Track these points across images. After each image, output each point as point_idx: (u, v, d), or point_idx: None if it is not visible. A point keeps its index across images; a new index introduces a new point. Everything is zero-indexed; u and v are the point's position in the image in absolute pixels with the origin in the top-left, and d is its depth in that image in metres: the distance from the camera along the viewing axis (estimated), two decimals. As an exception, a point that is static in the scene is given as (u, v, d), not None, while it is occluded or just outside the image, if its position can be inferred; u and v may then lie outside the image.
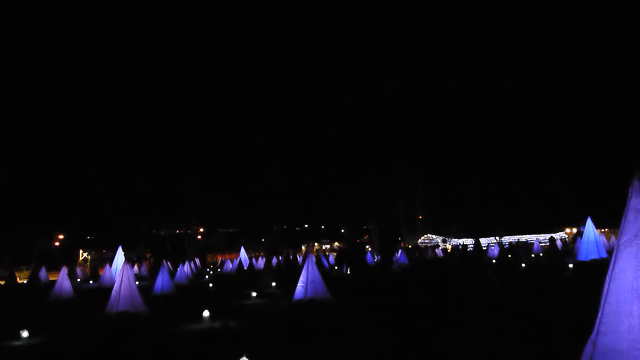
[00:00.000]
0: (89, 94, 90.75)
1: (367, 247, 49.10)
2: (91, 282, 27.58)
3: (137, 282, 12.60)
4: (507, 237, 57.67)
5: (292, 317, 9.11)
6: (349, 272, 22.03)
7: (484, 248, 33.10)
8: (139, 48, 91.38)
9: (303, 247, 77.25)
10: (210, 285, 20.20)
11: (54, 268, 33.46)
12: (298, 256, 45.55)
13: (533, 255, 28.11)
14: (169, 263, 35.80)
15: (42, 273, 27.64)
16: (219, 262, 45.23)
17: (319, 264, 24.60)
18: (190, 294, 16.66)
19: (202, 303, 12.94)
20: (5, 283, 26.75)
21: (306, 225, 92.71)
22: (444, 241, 64.83)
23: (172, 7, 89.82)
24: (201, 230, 74.42)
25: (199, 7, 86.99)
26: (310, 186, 73.75)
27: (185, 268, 26.42)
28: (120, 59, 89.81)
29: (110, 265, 24.60)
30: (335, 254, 45.21)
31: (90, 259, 57.95)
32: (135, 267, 34.14)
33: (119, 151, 76.87)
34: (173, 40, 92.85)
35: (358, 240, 66.29)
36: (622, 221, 3.07)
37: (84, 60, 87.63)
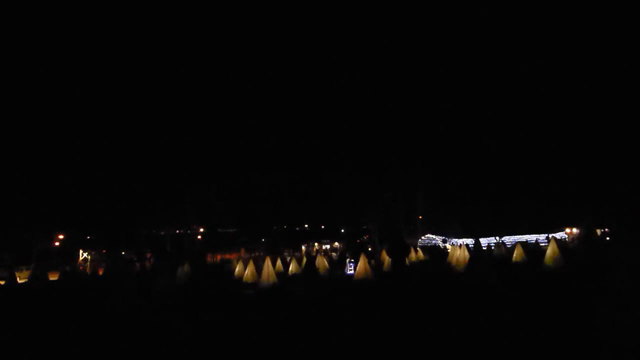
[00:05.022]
0: (89, 93, 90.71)
1: (368, 247, 49.03)
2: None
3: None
4: (507, 237, 57.67)
5: (292, 317, 9.12)
6: (348, 273, 22.02)
7: (483, 248, 33.15)
8: (140, 47, 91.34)
9: (303, 247, 77.18)
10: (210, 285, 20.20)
11: (54, 268, 33.48)
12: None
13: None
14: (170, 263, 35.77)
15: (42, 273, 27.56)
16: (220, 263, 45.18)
17: (319, 264, 24.60)
18: (190, 294, 16.65)
19: (203, 303, 12.97)
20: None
21: (306, 225, 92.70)
22: (444, 241, 64.78)
23: (172, 7, 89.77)
24: (201, 230, 74.42)
25: (198, 7, 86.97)
26: (310, 186, 73.78)
27: (186, 268, 26.41)
28: (120, 59, 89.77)
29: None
30: (335, 253, 45.19)
31: (90, 259, 57.87)
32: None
33: (119, 151, 76.90)
34: (175, 40, 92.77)
35: (358, 240, 66.26)
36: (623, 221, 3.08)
37: (84, 60, 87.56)
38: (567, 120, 69.81)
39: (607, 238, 27.07)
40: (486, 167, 64.31)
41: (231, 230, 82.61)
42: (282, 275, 24.62)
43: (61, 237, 62.59)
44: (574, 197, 52.96)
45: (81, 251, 62.03)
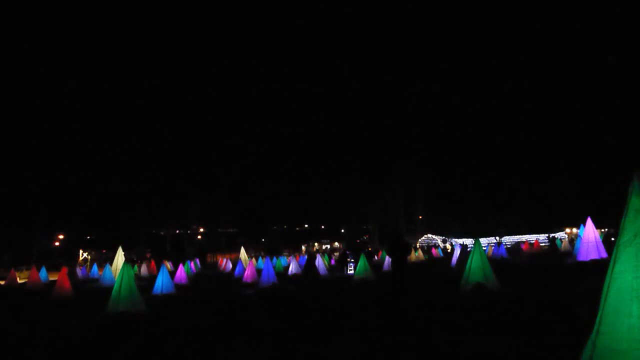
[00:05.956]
0: (90, 95, 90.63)
1: (368, 247, 49.06)
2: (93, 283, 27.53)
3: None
4: (507, 237, 57.64)
5: (292, 317, 9.11)
6: (349, 272, 22.02)
7: (484, 248, 33.04)
8: (141, 50, 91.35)
9: (303, 247, 77.17)
10: (211, 285, 20.21)
11: (54, 268, 33.43)
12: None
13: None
14: (169, 263, 35.79)
15: (42, 273, 27.55)
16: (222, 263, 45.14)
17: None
18: (190, 294, 16.66)
19: (203, 303, 12.96)
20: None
21: (306, 225, 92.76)
22: (444, 241, 64.78)
23: (173, 7, 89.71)
24: (201, 230, 74.44)
25: (199, 8, 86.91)
26: (310, 186, 73.69)
27: (185, 268, 26.40)
28: (122, 61, 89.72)
29: (111, 265, 24.55)
30: (336, 254, 45.19)
31: (90, 259, 57.86)
32: (135, 267, 34.09)
33: (119, 152, 76.85)
34: (175, 42, 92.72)
35: (358, 240, 66.30)
36: (622, 221, 3.07)
37: (85, 61, 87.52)
38: (567, 120, 69.73)
39: (612, 239, 27.00)
40: (486, 167, 64.23)
41: (231, 230, 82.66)
42: (282, 275, 24.60)
43: (61, 237, 62.62)
44: (574, 197, 52.91)
45: (81, 251, 62.04)
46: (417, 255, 36.39)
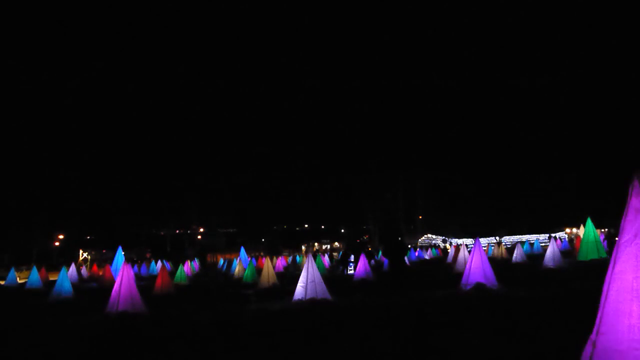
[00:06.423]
0: (89, 95, 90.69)
1: (368, 247, 48.97)
2: (93, 283, 27.50)
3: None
4: (507, 237, 57.62)
5: (292, 317, 9.11)
6: (348, 273, 22.00)
7: (484, 248, 32.96)
8: (141, 50, 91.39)
9: (303, 247, 77.13)
10: (211, 285, 20.21)
11: (54, 268, 33.40)
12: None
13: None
14: (170, 263, 35.82)
15: (36, 274, 27.44)
16: (223, 262, 45.09)
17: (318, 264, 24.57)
18: (190, 294, 16.66)
19: (202, 303, 12.95)
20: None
21: (306, 225, 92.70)
22: (444, 241, 64.75)
23: (173, 8, 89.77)
24: (201, 230, 74.43)
25: (199, 8, 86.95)
26: (310, 186, 73.73)
27: (186, 268, 26.41)
28: (122, 62, 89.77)
29: (110, 265, 24.52)
30: (336, 254, 45.18)
31: (90, 259, 57.85)
32: (135, 267, 34.09)
33: (119, 152, 76.89)
34: (175, 43, 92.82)
35: (358, 240, 66.25)
36: (622, 221, 3.07)
37: (86, 62, 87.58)
38: (568, 119, 69.77)
39: (616, 238, 26.95)
40: (486, 166, 64.29)
41: (231, 230, 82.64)
42: (282, 275, 24.59)
43: (61, 237, 62.59)
44: (574, 197, 52.91)
45: (81, 251, 62.01)
46: (416, 255, 36.44)
